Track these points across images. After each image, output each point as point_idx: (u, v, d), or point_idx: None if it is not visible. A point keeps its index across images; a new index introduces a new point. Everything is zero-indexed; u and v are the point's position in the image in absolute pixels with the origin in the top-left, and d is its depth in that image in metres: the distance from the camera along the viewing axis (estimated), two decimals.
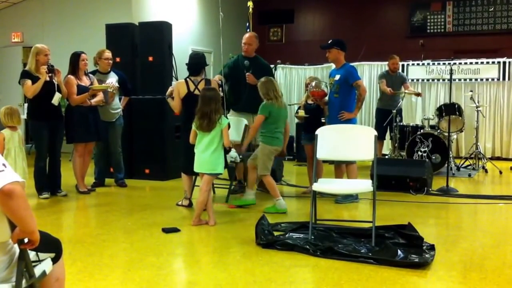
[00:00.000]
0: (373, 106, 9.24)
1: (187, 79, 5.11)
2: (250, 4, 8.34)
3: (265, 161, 5.01)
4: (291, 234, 4.03)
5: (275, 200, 5.00)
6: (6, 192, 1.74)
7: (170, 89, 5.46)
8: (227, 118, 4.68)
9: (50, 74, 5.49)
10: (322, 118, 5.73)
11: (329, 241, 3.79)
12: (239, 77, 5.83)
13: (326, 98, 5.73)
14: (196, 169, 4.58)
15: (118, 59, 6.88)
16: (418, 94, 8.24)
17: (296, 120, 8.44)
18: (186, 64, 5.23)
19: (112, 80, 6.29)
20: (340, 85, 5.51)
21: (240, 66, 5.93)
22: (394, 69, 8.10)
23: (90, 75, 6.10)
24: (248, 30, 8.82)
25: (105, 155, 6.46)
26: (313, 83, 5.81)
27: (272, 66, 8.14)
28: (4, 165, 1.79)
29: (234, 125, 5.82)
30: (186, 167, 5.03)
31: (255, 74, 5.75)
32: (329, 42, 5.63)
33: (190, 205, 5.18)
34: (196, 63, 5.14)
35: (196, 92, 4.99)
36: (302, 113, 5.86)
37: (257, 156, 5.09)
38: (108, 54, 6.30)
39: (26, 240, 1.89)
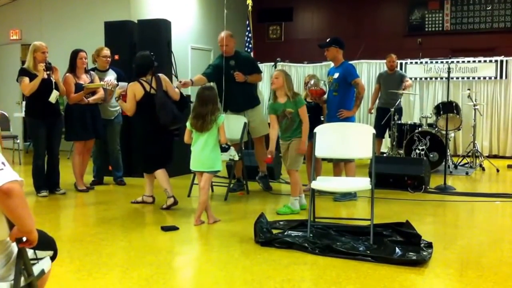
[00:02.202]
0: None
1: (140, 80, 5.05)
2: (249, 2, 8.34)
3: (296, 156, 4.88)
4: (289, 232, 4.05)
5: (291, 198, 4.90)
6: (5, 191, 1.73)
7: (118, 90, 5.52)
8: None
9: (47, 72, 5.49)
10: (322, 117, 5.74)
11: (327, 239, 3.80)
12: (228, 78, 5.68)
13: (325, 96, 5.74)
14: (194, 168, 4.56)
15: (116, 57, 6.87)
16: (405, 87, 8.15)
17: None
18: (133, 65, 5.21)
19: (111, 78, 6.29)
20: (339, 83, 5.52)
21: (225, 67, 5.74)
22: (391, 67, 8.11)
23: (91, 72, 6.09)
24: (248, 28, 8.84)
25: (103, 153, 6.46)
26: (312, 82, 5.79)
27: (271, 63, 8.15)
28: (3, 163, 1.78)
29: (233, 124, 5.84)
30: (146, 167, 5.16)
31: (242, 70, 5.71)
32: (327, 40, 5.64)
33: (176, 203, 5.06)
34: (143, 64, 5.08)
35: (152, 91, 5.02)
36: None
37: (291, 154, 4.90)
38: (106, 52, 6.29)
39: (24, 239, 1.89)
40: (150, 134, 5.06)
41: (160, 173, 5.08)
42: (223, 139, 4.52)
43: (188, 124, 4.53)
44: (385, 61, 8.31)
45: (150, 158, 5.11)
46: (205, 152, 4.45)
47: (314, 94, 5.72)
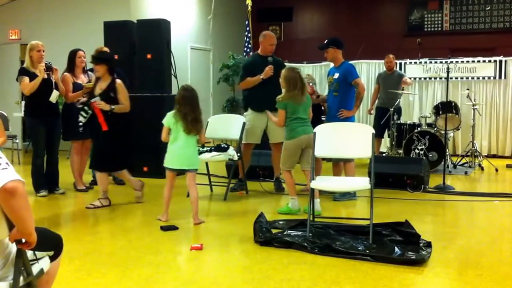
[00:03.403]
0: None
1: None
2: (249, 2, 8.35)
3: (284, 155, 4.91)
4: (289, 231, 4.05)
5: (289, 198, 4.91)
6: (8, 189, 1.72)
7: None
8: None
9: (48, 72, 5.49)
10: (323, 116, 5.73)
11: (327, 239, 3.80)
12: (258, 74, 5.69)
13: (319, 96, 5.73)
14: (175, 165, 4.56)
15: (116, 57, 6.86)
16: (404, 84, 8.13)
17: None
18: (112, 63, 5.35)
19: None
20: (339, 84, 5.52)
21: (262, 63, 5.72)
22: (389, 68, 8.12)
23: (89, 72, 6.09)
24: (247, 28, 8.84)
25: None
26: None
27: None
28: (7, 163, 1.78)
29: (232, 123, 5.84)
30: (104, 166, 5.23)
31: (277, 69, 5.65)
32: (325, 42, 5.65)
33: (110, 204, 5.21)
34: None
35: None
36: None
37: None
38: (106, 51, 6.28)
39: (23, 240, 1.88)
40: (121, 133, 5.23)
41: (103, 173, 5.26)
42: (203, 138, 4.64)
43: (166, 122, 4.55)
44: (384, 61, 8.31)
45: (107, 157, 5.20)
46: (188, 150, 4.51)
47: None
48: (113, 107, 5.05)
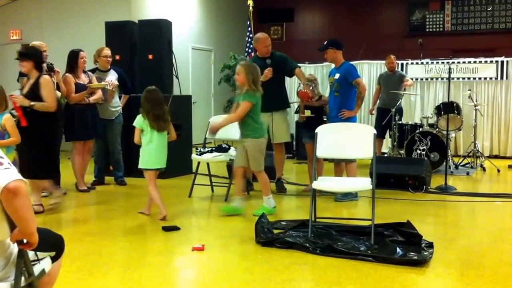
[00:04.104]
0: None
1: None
2: (250, 2, 8.34)
3: (257, 156, 4.78)
4: (290, 232, 4.04)
5: (265, 198, 4.82)
6: (11, 189, 1.71)
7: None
8: None
9: (49, 73, 5.48)
10: (324, 117, 5.71)
11: (328, 239, 3.80)
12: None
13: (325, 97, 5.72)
14: (151, 166, 4.68)
15: (117, 57, 6.88)
16: (405, 86, 8.12)
17: (296, 118, 8.45)
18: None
19: (112, 78, 6.30)
20: (340, 84, 5.52)
21: (261, 66, 5.56)
22: (391, 68, 8.11)
23: (89, 72, 6.10)
24: (249, 28, 8.83)
25: (104, 153, 6.46)
26: (301, 84, 5.71)
27: None
28: (9, 163, 1.77)
29: (233, 123, 5.82)
30: (50, 172, 5.03)
31: (279, 68, 5.70)
32: (324, 43, 5.66)
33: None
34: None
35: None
36: (308, 113, 5.71)
37: (247, 155, 4.77)
38: (107, 52, 6.29)
39: (25, 241, 1.87)
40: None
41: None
42: (173, 135, 4.78)
43: (138, 124, 4.66)
44: (385, 61, 8.31)
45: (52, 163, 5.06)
46: (161, 150, 4.68)
47: (300, 96, 5.72)
48: (32, 103, 4.73)
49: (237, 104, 4.83)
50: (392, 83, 7.96)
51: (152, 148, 4.63)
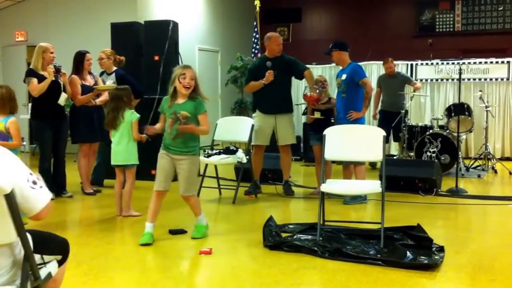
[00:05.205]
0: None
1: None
2: (257, 3, 8.31)
3: (192, 178, 4.04)
4: (298, 235, 4.00)
5: (197, 218, 4.11)
6: (41, 217, 1.91)
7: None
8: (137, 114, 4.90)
9: (56, 74, 5.49)
10: (332, 119, 5.66)
11: (337, 243, 3.74)
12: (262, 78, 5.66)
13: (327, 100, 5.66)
14: (112, 162, 4.87)
15: (123, 58, 6.84)
16: (416, 88, 8.04)
17: (304, 120, 8.39)
18: None
19: (109, 82, 6.23)
20: (347, 85, 5.49)
21: (261, 67, 5.73)
22: (390, 72, 8.00)
23: (94, 74, 6.08)
24: (256, 29, 8.80)
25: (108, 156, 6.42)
26: (308, 88, 5.63)
27: None
28: (38, 179, 1.95)
29: (240, 125, 5.79)
30: None
31: (281, 71, 5.64)
32: (330, 46, 5.62)
33: None
34: None
35: None
36: (318, 114, 5.64)
37: (189, 175, 3.99)
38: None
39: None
40: None
41: None
42: (135, 135, 4.82)
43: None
44: (384, 65, 8.17)
45: None
46: (119, 146, 4.81)
47: (306, 100, 5.66)
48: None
49: (174, 114, 3.92)
50: (392, 86, 7.87)
51: (112, 145, 4.91)
